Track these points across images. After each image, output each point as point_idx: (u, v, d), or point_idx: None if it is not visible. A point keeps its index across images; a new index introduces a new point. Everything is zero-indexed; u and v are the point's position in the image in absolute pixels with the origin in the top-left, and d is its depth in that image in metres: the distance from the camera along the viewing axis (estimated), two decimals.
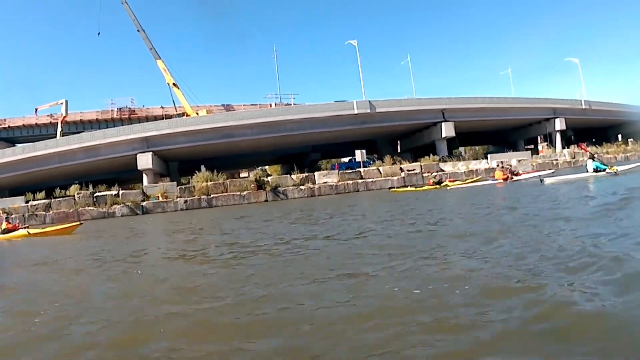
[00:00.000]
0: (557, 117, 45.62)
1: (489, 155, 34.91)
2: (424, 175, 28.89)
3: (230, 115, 36.40)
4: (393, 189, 25.73)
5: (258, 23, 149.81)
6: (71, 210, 26.11)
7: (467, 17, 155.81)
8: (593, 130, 55.89)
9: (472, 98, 41.27)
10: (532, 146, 49.03)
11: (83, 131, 40.30)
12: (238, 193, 26.41)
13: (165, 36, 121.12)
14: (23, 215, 26.56)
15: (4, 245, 13.30)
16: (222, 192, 26.59)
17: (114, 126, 41.21)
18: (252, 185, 26.46)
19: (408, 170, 29.34)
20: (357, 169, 30.30)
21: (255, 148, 40.79)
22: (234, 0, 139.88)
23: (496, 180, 24.16)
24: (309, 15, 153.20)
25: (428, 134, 41.32)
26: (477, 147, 64.08)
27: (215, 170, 29.40)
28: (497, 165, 29.88)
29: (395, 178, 28.39)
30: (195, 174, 29.33)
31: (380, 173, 29.24)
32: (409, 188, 24.95)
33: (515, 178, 23.65)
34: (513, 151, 45.46)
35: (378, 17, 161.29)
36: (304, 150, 45.66)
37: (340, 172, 29.55)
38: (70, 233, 14.13)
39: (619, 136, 52.43)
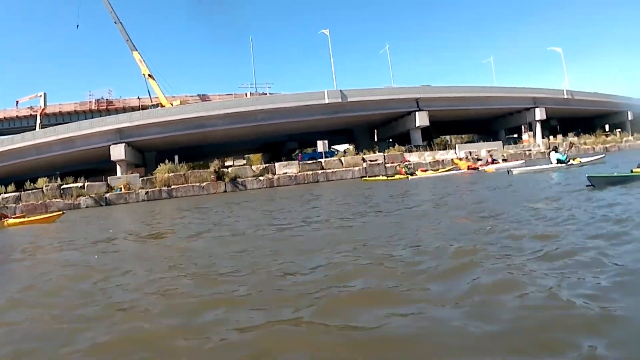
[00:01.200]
0: (537, 107, 45.43)
1: (457, 146, 34.90)
2: (387, 166, 28.99)
3: (202, 105, 36.67)
4: (364, 178, 25.79)
5: (235, 12, 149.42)
6: (39, 202, 26.54)
7: (452, 7, 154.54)
8: (579, 120, 55.51)
9: (447, 87, 41.28)
10: (517, 135, 48.80)
11: (63, 123, 40.74)
12: (198, 184, 26.76)
13: (142, 26, 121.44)
14: None
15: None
16: (183, 183, 26.92)
17: (92, 117, 41.73)
18: (212, 176, 26.76)
19: (370, 161, 29.46)
20: (319, 160, 30.47)
21: (233, 137, 41.12)
22: None
23: (460, 170, 24.46)
24: (287, 4, 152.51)
25: (403, 123, 41.34)
26: (463, 136, 63.91)
27: (192, 160, 29.62)
28: (465, 157, 30.16)
29: (357, 169, 28.53)
30: (158, 165, 29.69)
31: (342, 164, 29.39)
32: (380, 177, 25.20)
33: (481, 168, 23.89)
34: (494, 140, 45.55)
35: (360, 6, 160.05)
36: (281, 139, 45.89)
37: (300, 162, 29.76)
38: (54, 221, 15.10)
39: (607, 126, 52.18)
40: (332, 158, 30.64)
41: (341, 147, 46.51)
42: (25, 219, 16.09)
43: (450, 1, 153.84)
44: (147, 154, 41.67)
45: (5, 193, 28.33)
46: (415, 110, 39.27)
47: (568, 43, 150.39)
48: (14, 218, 16.40)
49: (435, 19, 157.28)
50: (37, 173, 34.89)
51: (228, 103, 36.80)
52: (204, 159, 52.37)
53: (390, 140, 48.38)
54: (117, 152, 34.36)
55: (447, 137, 62.77)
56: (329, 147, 37.51)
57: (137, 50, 41.40)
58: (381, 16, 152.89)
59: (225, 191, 26.61)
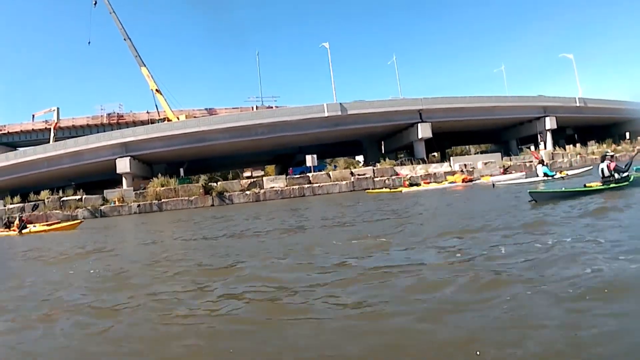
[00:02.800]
0: (547, 116, 44.37)
1: (451, 158, 34.37)
2: (375, 179, 28.91)
3: (203, 120, 37.45)
4: (368, 190, 26.21)
5: (243, 26, 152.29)
6: (41, 213, 27.75)
7: (459, 17, 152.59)
8: (595, 128, 54.01)
9: (450, 98, 40.75)
10: (532, 145, 47.61)
11: (76, 136, 42.26)
12: (186, 198, 27.43)
13: (151, 41, 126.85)
14: (0, 218, 28.61)
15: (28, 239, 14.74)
16: (173, 197, 27.61)
17: (104, 130, 43.16)
18: (200, 190, 27.36)
19: (358, 175, 29.44)
20: (307, 174, 30.65)
21: (245, 150, 41.77)
22: (219, 5, 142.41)
23: (455, 183, 24.36)
24: (293, 17, 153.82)
25: (407, 135, 41.13)
26: (481, 146, 63.06)
27: (203, 172, 30.11)
28: (460, 170, 29.90)
29: (344, 183, 28.59)
30: (154, 178, 30.56)
31: (330, 178, 29.47)
32: (384, 190, 25.64)
33: (477, 181, 23.82)
34: (504, 151, 44.84)
35: (367, 16, 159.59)
36: (291, 151, 46.31)
37: (288, 177, 30.02)
38: (75, 228, 16.76)
39: (627, 134, 50.55)
40: (320, 172, 30.69)
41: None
42: (50, 227, 17.27)
43: (458, 11, 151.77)
44: (156, 167, 42.79)
45: (10, 204, 29.75)
46: (418, 122, 39.04)
47: (580, 49, 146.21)
48: (40, 225, 17.70)
49: (443, 30, 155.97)
50: (47, 185, 36.57)
51: (228, 117, 37.42)
52: (216, 171, 53.74)
53: (399, 151, 48.44)
54: (123, 165, 35.50)
55: (467, 147, 62.48)
56: (332, 160, 37.64)
57: (145, 65, 42.65)
58: (388, 27, 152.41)
59: (212, 205, 27.15)
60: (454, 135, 51.94)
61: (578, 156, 36.78)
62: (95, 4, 42.92)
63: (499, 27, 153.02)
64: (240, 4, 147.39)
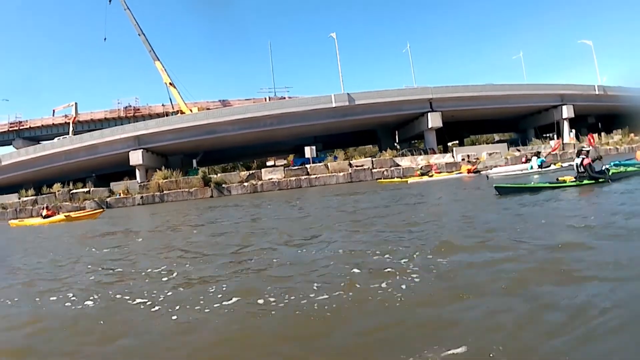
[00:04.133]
0: (564, 104, 43.20)
1: (454, 149, 33.88)
2: (373, 171, 28.83)
3: (211, 113, 37.98)
4: (380, 180, 26.27)
5: (255, 17, 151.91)
6: (52, 205, 28.84)
7: (474, 5, 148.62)
8: (620, 116, 52.13)
9: (461, 86, 40.08)
10: (554, 134, 46.26)
11: (95, 129, 43.52)
12: (187, 189, 27.98)
13: (164, 35, 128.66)
14: (16, 209, 29.98)
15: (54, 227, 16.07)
16: (174, 189, 28.22)
17: (122, 124, 44.24)
18: (200, 182, 27.87)
19: (356, 166, 29.39)
20: (306, 165, 30.77)
21: (254, 140, 42.16)
22: None
23: (461, 173, 24.21)
24: (305, 5, 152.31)
25: (418, 125, 40.75)
26: (498, 135, 61.97)
27: (222, 162, 30.54)
28: (462, 159, 29.57)
29: (342, 174, 28.58)
30: (157, 170, 31.31)
31: (328, 169, 29.52)
32: (395, 179, 25.63)
33: (483, 172, 23.58)
34: (521, 140, 43.83)
35: (382, 7, 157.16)
36: (307, 141, 46.43)
37: (286, 168, 30.22)
38: (96, 217, 18.05)
39: None
40: (319, 164, 30.73)
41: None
42: (73, 216, 18.44)
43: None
44: (171, 158, 43.76)
45: (25, 197, 31.02)
46: (428, 112, 38.63)
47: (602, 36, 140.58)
48: (63, 214, 18.99)
49: (457, 19, 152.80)
50: (73, 176, 37.99)
51: (237, 109, 37.87)
52: (234, 161, 54.51)
53: (412, 141, 48.08)
54: (136, 157, 36.44)
55: (486, 136, 61.40)
56: (343, 150, 37.57)
57: (159, 59, 43.45)
58: (403, 16, 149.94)
59: (211, 196, 27.66)
60: (471, 124, 51.15)
61: (591, 146, 35.66)
62: (110, 1, 43.90)
63: (517, 14, 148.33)
64: None
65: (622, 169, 11.95)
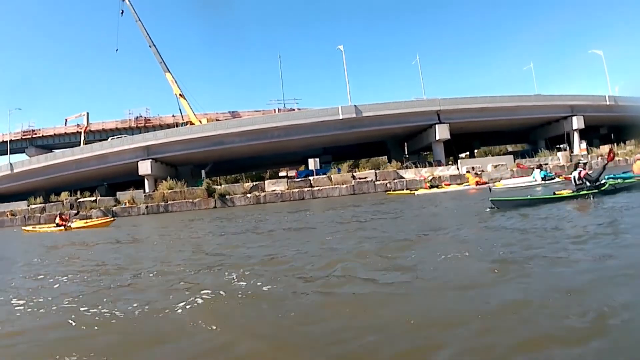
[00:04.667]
0: (574, 115, 42.80)
1: (459, 161, 33.68)
2: (376, 183, 28.83)
3: (219, 124, 38.33)
4: (389, 192, 26.38)
5: (265, 28, 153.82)
6: (58, 213, 29.34)
7: (482, 17, 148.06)
8: (634, 127, 51.38)
9: (470, 98, 39.94)
10: (566, 145, 45.76)
11: (106, 139, 44.23)
12: (191, 200, 28.24)
13: (174, 45, 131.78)
14: (24, 216, 30.60)
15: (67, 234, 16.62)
16: (178, 199, 28.52)
17: (132, 133, 44.97)
18: (204, 192, 28.12)
19: (359, 179, 29.38)
20: (309, 177, 30.86)
21: (264, 151, 42.47)
22: (237, 6, 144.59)
23: (469, 185, 24.13)
24: (316, 17, 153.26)
25: (426, 136, 40.70)
26: (512, 146, 61.53)
27: (233, 172, 30.70)
28: (467, 172, 29.40)
29: (344, 186, 28.55)
30: (163, 181, 31.66)
31: (331, 181, 29.58)
32: (404, 191, 25.85)
33: (490, 184, 23.44)
34: (532, 151, 43.46)
35: (392, 19, 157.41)
36: (317, 152, 46.60)
37: (289, 180, 30.39)
38: (108, 225, 18.63)
39: None
40: (322, 176, 30.76)
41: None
42: (87, 224, 18.94)
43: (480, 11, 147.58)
44: (181, 168, 44.32)
45: (33, 204, 31.63)
46: (436, 124, 38.56)
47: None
48: (77, 222, 19.34)
49: (466, 31, 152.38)
50: (85, 184, 38.70)
51: (244, 121, 38.21)
52: (245, 171, 54.79)
53: (421, 153, 48.01)
54: (144, 167, 36.91)
55: (497, 147, 60.99)
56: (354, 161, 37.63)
57: (169, 71, 44.05)
58: (413, 28, 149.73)
59: (215, 207, 27.86)
60: (482, 135, 50.98)
61: (600, 158, 35.24)
62: (122, 12, 44.65)
63: (526, 24, 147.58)
64: (261, 5, 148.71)
65: (618, 181, 11.91)
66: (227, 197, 28.22)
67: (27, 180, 39.10)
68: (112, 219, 20.72)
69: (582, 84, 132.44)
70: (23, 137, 49.60)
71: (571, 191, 10.61)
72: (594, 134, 49.62)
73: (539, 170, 19.65)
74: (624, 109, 45.14)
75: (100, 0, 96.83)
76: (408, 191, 25.22)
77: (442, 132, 38.29)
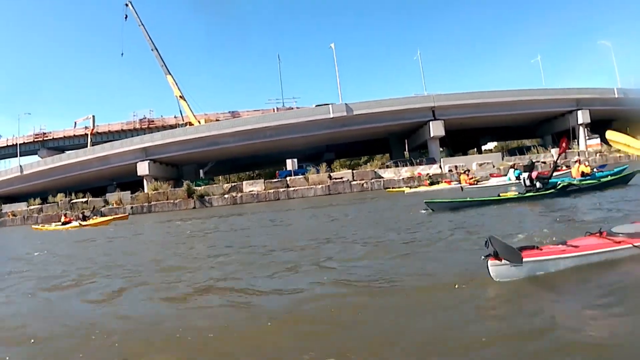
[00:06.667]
0: (580, 109, 41.34)
1: (441, 160, 33.06)
2: (352, 183, 28.72)
3: (213, 125, 39.03)
4: (388, 189, 26.04)
5: (266, 28, 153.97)
6: (54, 214, 30.70)
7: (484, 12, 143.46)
8: None
9: (466, 93, 39.15)
10: (572, 140, 44.33)
11: (113, 140, 45.73)
12: (172, 201, 28.95)
13: (177, 47, 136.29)
14: (24, 217, 32.15)
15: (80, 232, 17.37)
16: (161, 200, 29.30)
17: (137, 135, 46.27)
18: (184, 193, 28.77)
19: (335, 179, 29.32)
20: (286, 178, 31.09)
21: (263, 150, 42.75)
22: (238, 5, 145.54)
23: (460, 183, 23.87)
24: (317, 14, 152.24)
25: (423, 133, 40.21)
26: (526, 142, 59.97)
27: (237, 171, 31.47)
28: (450, 171, 29.03)
29: (320, 187, 28.54)
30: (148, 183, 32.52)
31: (308, 181, 29.65)
32: (404, 188, 25.24)
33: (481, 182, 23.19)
34: (538, 146, 42.28)
35: (391, 15, 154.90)
36: (319, 150, 46.73)
37: (266, 181, 30.67)
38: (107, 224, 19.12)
39: None
40: (299, 176, 30.88)
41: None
42: (105, 219, 20.14)
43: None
44: (185, 167, 45.41)
45: (32, 205, 33.19)
46: (430, 120, 38.05)
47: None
48: (94, 219, 20.49)
49: (469, 26, 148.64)
50: (95, 184, 40.27)
51: (236, 122, 38.80)
52: (247, 170, 55.69)
53: (421, 150, 47.41)
54: (143, 168, 38.08)
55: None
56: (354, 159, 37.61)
57: (170, 74, 45.14)
58: (414, 23, 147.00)
59: (194, 207, 28.44)
60: (487, 131, 49.94)
61: (597, 155, 34.01)
62: (126, 17, 45.96)
63: (532, 19, 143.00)
64: (261, 3, 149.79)
65: (576, 181, 11.57)
66: (205, 197, 28.80)
67: (37, 181, 40.95)
68: (127, 215, 23.02)
69: (596, 80, 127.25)
70: (35, 140, 51.90)
71: (518, 193, 10.31)
72: (604, 128, 47.77)
73: (513, 169, 19.05)
74: (635, 102, 43.32)
75: (105, 6, 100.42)
76: (408, 189, 24.42)
77: (436, 129, 37.74)
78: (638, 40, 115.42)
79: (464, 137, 49.14)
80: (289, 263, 4.86)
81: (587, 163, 17.46)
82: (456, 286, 3.22)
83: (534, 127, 48.31)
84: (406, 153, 45.98)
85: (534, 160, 11.60)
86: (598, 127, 44.00)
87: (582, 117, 41.15)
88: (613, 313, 2.61)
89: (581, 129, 41.79)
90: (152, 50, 45.38)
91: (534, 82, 75.29)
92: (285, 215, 15.21)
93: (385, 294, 3.40)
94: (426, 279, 3.61)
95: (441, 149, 48.59)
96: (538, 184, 10.08)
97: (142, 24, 45.45)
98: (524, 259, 3.05)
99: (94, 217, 21.12)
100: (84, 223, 19.25)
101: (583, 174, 14.36)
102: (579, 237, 3.68)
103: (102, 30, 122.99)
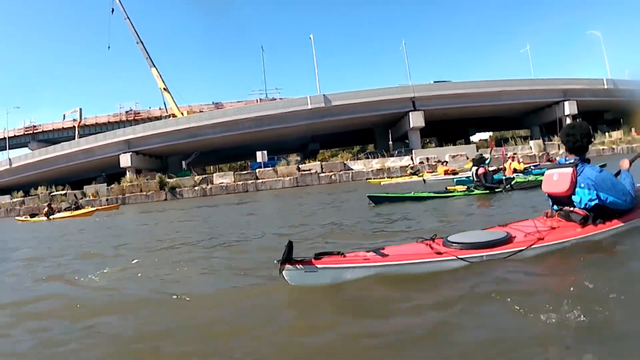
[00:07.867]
0: (567, 100, 40.66)
1: (413, 151, 32.72)
2: (321, 175, 28.65)
3: (192, 117, 39.16)
4: (369, 180, 25.49)
5: (251, 19, 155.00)
6: (35, 206, 31.19)
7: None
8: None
9: (447, 83, 38.88)
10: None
11: (100, 132, 46.15)
12: (145, 193, 29.20)
13: (161, 38, 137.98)
14: (7, 209, 32.72)
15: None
16: (135, 192, 29.59)
17: (124, 126, 46.64)
18: (156, 185, 29.02)
19: (304, 171, 29.27)
20: (256, 170, 31.11)
21: (250, 141, 42.49)
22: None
23: (437, 175, 23.65)
24: (301, 5, 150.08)
25: (404, 124, 39.93)
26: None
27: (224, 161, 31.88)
28: (421, 162, 28.81)
29: (288, 179, 28.52)
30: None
31: (277, 173, 29.65)
32: (386, 179, 24.64)
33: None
34: (516, 138, 41.79)
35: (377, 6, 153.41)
36: (304, 141, 46.73)
37: (235, 173, 30.75)
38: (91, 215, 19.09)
39: None
40: (268, 168, 30.86)
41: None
42: (72, 214, 19.71)
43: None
44: (171, 159, 45.72)
45: (15, 198, 33.73)
46: (410, 111, 37.77)
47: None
48: (64, 212, 20.42)
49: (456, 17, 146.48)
50: (83, 176, 40.71)
51: (215, 113, 38.94)
52: (236, 160, 55.78)
53: (405, 140, 47.11)
54: (125, 160, 38.46)
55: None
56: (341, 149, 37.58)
57: (155, 66, 45.31)
58: (399, 13, 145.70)
59: (165, 199, 28.69)
60: (475, 121, 49.39)
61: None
62: (112, 11, 46.18)
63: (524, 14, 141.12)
64: None
65: (530, 177, 11.37)
66: (177, 190, 29.05)
67: (26, 173, 41.54)
68: (118, 205, 23.52)
69: (587, 72, 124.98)
70: (25, 133, 52.69)
71: (466, 188, 10.07)
72: (598, 120, 46.98)
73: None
74: (625, 92, 42.50)
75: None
76: (389, 179, 24.02)
77: (416, 120, 37.46)
78: (631, 34, 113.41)
79: (452, 128, 48.64)
80: None
81: (520, 160, 17.33)
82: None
83: (522, 117, 47.72)
84: (390, 144, 45.61)
85: (483, 155, 11.14)
86: (589, 118, 43.34)
87: (569, 108, 40.52)
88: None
89: (568, 120, 41.03)
90: (137, 43, 45.56)
91: (526, 74, 74.29)
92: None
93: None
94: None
95: (428, 140, 48.50)
96: (482, 180, 9.88)
97: (128, 17, 45.63)
98: (319, 266, 2.98)
99: (72, 210, 20.92)
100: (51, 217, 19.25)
101: (515, 171, 14.34)
102: (409, 243, 3.48)
103: (89, 23, 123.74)
